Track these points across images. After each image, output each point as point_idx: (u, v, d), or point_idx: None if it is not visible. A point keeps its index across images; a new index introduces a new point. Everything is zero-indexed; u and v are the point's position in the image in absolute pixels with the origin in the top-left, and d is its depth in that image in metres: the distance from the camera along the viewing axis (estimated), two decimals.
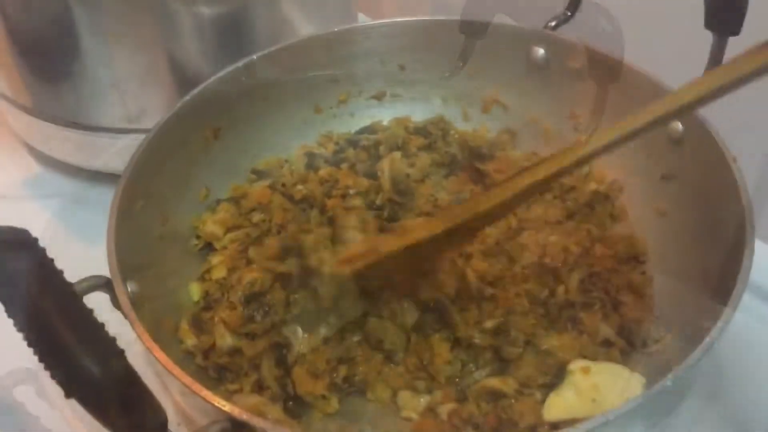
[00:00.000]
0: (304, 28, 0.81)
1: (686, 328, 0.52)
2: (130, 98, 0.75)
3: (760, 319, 0.63)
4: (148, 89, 0.75)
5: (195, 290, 0.62)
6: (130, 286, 0.52)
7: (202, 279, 0.63)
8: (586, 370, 0.52)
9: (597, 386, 0.51)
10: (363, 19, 0.97)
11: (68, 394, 0.36)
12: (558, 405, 0.52)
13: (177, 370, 0.43)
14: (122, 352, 0.37)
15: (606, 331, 0.57)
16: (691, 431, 0.56)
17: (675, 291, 0.59)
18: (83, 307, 0.38)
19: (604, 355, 0.56)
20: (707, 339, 0.44)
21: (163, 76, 0.75)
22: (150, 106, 0.75)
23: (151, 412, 0.38)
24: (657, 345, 0.56)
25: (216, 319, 0.59)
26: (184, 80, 0.74)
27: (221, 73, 0.67)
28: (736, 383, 0.59)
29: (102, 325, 0.38)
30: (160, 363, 0.43)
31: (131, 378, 0.37)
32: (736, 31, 0.56)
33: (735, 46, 0.56)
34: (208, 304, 0.61)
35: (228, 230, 0.66)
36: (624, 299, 0.59)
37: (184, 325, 0.58)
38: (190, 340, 0.58)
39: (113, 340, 0.37)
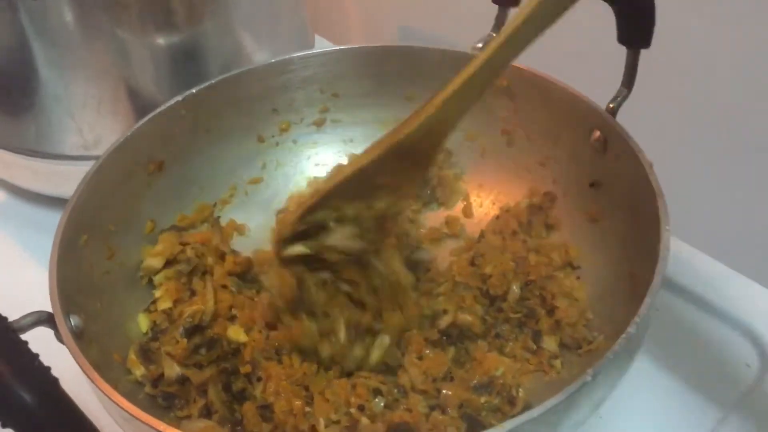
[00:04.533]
0: (260, 55, 0.83)
1: (616, 328, 0.54)
2: (86, 127, 0.77)
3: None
4: (103, 118, 0.77)
5: (143, 321, 0.63)
6: (74, 320, 0.53)
7: (149, 310, 0.64)
8: None
9: None
10: (324, 44, 1.00)
11: (4, 424, 0.37)
12: None
13: (115, 395, 0.43)
14: (56, 380, 0.38)
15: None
16: None
17: (606, 294, 0.62)
18: (17, 338, 0.39)
19: (535, 359, 0.58)
20: (623, 336, 0.46)
21: (117, 104, 0.77)
22: (106, 134, 0.77)
23: None
24: (590, 346, 0.59)
25: (162, 350, 0.60)
26: (139, 108, 0.76)
27: (161, 108, 0.68)
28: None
29: (36, 356, 0.39)
30: (99, 389, 0.44)
31: (66, 405, 0.38)
32: (646, 45, 0.59)
33: (646, 58, 0.60)
34: (155, 334, 0.62)
35: (167, 263, 0.66)
36: (559, 304, 0.61)
37: (132, 356, 0.59)
38: (139, 371, 0.59)
39: (47, 369, 0.39)
